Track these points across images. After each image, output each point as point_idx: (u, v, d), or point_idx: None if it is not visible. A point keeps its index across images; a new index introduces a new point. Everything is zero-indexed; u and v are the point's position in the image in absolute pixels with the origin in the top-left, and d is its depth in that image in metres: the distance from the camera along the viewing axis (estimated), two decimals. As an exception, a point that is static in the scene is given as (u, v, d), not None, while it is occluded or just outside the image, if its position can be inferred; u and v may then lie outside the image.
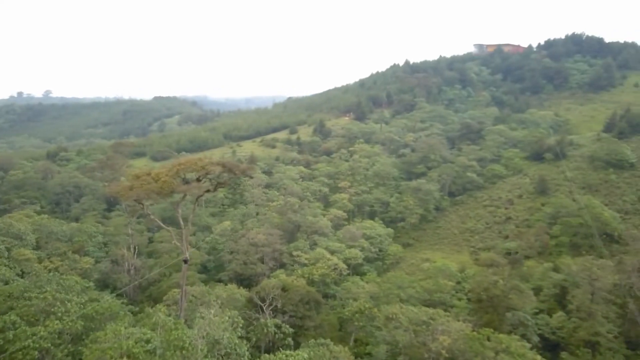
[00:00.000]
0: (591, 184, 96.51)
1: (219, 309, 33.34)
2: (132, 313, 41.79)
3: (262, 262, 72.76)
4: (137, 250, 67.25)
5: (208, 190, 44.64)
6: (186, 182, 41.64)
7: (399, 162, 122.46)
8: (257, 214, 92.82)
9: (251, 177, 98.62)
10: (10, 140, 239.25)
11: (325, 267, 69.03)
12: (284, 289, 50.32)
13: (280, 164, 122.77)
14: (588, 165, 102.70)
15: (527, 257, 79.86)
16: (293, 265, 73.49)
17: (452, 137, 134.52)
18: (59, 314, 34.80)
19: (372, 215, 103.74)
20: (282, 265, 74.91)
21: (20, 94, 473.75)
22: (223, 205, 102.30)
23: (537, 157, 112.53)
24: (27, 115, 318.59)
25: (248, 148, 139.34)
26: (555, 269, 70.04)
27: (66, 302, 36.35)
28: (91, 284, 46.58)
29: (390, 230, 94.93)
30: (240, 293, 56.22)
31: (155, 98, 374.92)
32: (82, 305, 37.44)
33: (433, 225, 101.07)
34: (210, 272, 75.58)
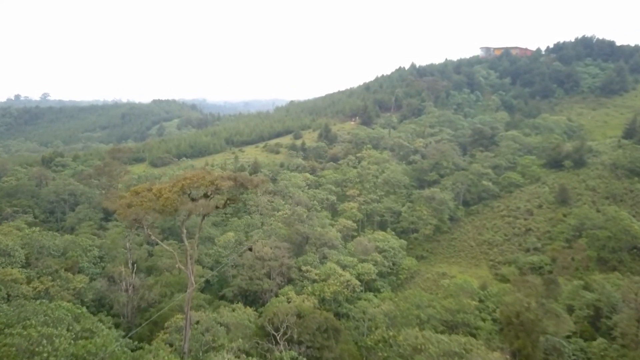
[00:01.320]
0: (615, 194, 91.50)
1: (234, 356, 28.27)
2: (130, 349, 36.57)
3: (269, 278, 67.60)
4: (135, 267, 62.03)
5: (217, 207, 39.62)
6: (193, 198, 36.58)
7: (410, 169, 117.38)
8: (262, 224, 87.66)
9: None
10: (6, 144, 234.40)
11: (337, 283, 64.14)
12: (299, 316, 45.27)
13: (285, 170, 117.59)
14: (610, 173, 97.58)
15: (550, 273, 75.06)
16: (302, 281, 68.30)
17: (464, 143, 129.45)
18: (45, 354, 29.83)
19: (382, 226, 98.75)
20: (290, 281, 69.69)
21: (17, 96, 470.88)
22: (226, 214, 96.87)
23: (555, 164, 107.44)
24: (23, 118, 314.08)
25: (251, 153, 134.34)
26: (586, 287, 65.14)
27: (54, 338, 31.34)
28: (84, 309, 41.40)
29: (403, 242, 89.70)
30: (249, 314, 51.48)
31: (154, 101, 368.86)
32: (72, 342, 32.44)
33: (448, 237, 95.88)
34: (213, 288, 70.60)
